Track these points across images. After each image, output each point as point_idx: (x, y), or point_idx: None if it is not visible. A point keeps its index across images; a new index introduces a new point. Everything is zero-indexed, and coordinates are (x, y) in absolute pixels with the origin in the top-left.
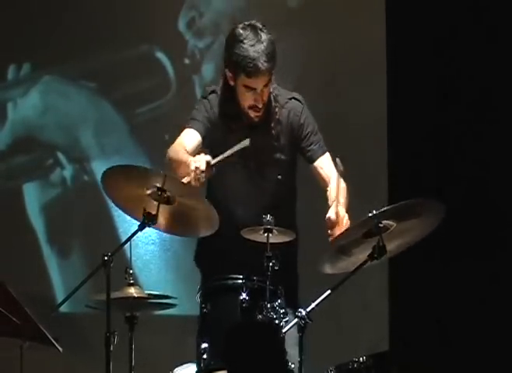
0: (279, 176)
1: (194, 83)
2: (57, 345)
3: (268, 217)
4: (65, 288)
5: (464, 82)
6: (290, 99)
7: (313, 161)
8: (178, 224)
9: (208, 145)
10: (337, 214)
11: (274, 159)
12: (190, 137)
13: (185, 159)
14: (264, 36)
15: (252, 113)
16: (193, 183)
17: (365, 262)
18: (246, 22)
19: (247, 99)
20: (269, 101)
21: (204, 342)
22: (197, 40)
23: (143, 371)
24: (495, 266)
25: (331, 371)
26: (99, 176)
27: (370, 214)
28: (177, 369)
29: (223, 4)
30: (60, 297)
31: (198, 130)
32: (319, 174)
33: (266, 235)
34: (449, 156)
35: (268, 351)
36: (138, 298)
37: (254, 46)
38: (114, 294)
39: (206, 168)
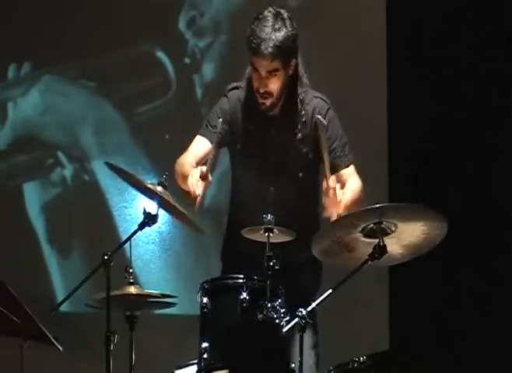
0: (300, 174)
1: (194, 83)
2: (57, 344)
3: (269, 216)
4: (65, 288)
5: (465, 82)
6: (316, 97)
7: (335, 171)
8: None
9: (231, 140)
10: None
11: (295, 155)
12: (198, 147)
13: (187, 173)
14: (281, 26)
15: (259, 98)
16: (192, 196)
17: (365, 262)
18: (276, 8)
19: (254, 81)
20: (291, 96)
21: (204, 341)
22: (197, 40)
23: (143, 371)
24: (495, 266)
25: (331, 370)
26: (99, 176)
27: (377, 206)
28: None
29: (224, 3)
30: (60, 296)
31: (208, 138)
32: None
33: (267, 234)
34: (449, 156)
35: (269, 351)
36: (137, 295)
37: (267, 28)
38: (114, 293)
39: (202, 180)
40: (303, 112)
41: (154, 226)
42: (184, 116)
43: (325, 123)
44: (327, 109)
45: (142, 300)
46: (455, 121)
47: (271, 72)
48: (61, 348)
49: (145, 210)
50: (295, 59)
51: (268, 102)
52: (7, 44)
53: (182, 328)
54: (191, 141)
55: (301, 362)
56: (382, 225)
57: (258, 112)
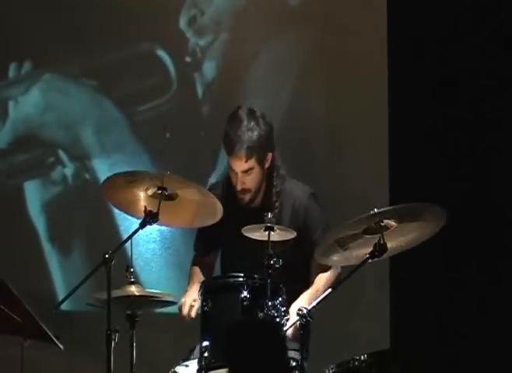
0: (277, 265)
1: (195, 81)
2: (58, 343)
3: (269, 215)
4: (66, 286)
5: (465, 82)
6: (297, 187)
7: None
8: (182, 218)
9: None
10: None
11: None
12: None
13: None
14: (254, 126)
15: (238, 194)
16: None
17: (366, 260)
18: (249, 108)
19: (232, 178)
20: (269, 188)
21: (205, 340)
22: (198, 38)
23: (144, 369)
24: (495, 266)
25: (332, 369)
26: (100, 174)
27: (372, 212)
28: (178, 367)
29: (224, 2)
30: (61, 295)
31: (199, 265)
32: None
33: (267, 233)
34: (450, 156)
35: (269, 349)
36: (139, 296)
37: (240, 129)
38: (115, 293)
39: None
40: (277, 203)
41: (154, 225)
42: (184, 114)
43: (304, 215)
44: (306, 199)
45: (143, 299)
46: (455, 121)
47: (247, 171)
48: (61, 347)
49: (146, 208)
50: (271, 153)
51: (247, 197)
52: (8, 43)
53: (183, 326)
54: (193, 139)
55: (302, 360)
56: (382, 224)
57: (239, 206)
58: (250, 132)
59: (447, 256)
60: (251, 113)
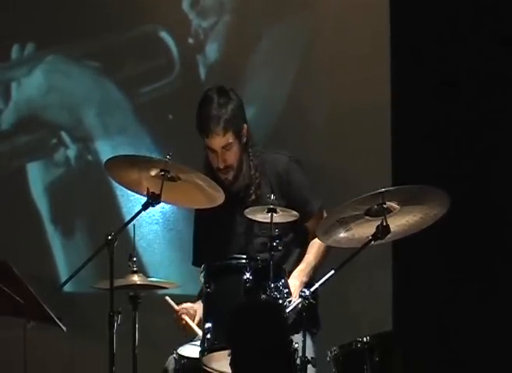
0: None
1: (197, 63)
2: (60, 324)
3: (272, 196)
4: (69, 268)
5: (465, 82)
6: (275, 153)
7: (310, 217)
8: (185, 198)
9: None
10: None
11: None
12: None
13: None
14: (226, 100)
15: (221, 175)
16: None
17: (368, 242)
18: (217, 86)
19: (213, 161)
20: (247, 166)
21: (207, 322)
22: (201, 20)
23: (147, 351)
24: (496, 265)
25: (334, 351)
26: (102, 156)
27: (378, 191)
28: (180, 348)
29: None
30: (63, 276)
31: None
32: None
33: (270, 214)
34: (450, 156)
35: (272, 331)
36: (141, 285)
37: (213, 107)
38: (118, 282)
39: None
40: (257, 174)
41: (157, 206)
42: (187, 96)
43: (288, 179)
44: (287, 162)
45: (146, 288)
46: (455, 121)
47: (226, 147)
48: (64, 328)
49: (148, 190)
50: (245, 124)
51: (230, 175)
52: (11, 24)
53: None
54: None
55: (304, 342)
56: (385, 205)
57: (227, 191)
58: (224, 108)
59: (447, 256)
60: (220, 91)
